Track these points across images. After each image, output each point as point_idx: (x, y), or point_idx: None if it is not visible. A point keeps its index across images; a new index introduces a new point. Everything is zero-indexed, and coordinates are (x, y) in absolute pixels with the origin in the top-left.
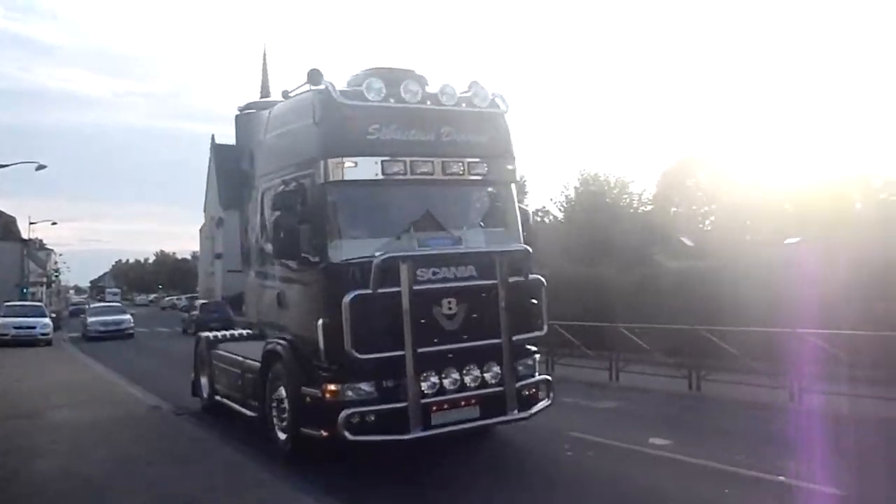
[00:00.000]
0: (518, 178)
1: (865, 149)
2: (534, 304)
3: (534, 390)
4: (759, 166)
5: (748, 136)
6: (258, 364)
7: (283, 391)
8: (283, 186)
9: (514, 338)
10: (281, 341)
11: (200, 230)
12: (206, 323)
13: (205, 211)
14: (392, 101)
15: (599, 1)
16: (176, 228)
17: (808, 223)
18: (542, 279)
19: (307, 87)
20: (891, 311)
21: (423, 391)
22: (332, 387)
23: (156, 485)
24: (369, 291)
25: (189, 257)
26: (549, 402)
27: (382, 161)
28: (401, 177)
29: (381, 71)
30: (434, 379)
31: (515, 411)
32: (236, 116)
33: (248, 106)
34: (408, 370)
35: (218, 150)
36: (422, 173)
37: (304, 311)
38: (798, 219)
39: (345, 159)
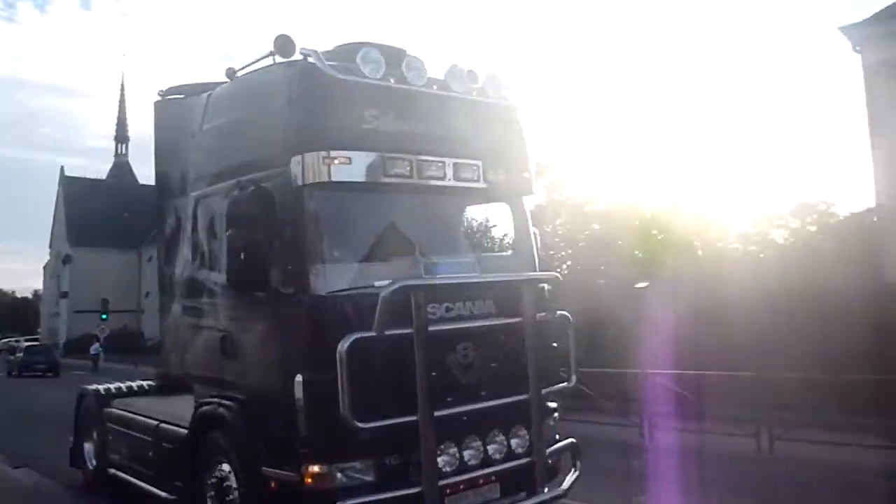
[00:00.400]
0: (534, 191)
1: (706, 199)
2: (555, 347)
3: (556, 457)
4: (610, 213)
5: (600, 183)
6: (184, 431)
7: (228, 470)
8: (236, 192)
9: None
10: (225, 402)
11: (44, 268)
12: (31, 366)
13: (50, 247)
14: (392, 80)
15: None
16: (16, 266)
17: (654, 268)
18: (569, 315)
19: (271, 60)
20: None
21: (440, 469)
22: (317, 468)
23: None
24: (373, 335)
25: (30, 296)
26: (578, 472)
27: (384, 158)
28: (406, 180)
29: (368, 45)
30: (453, 450)
31: (546, 488)
32: (155, 104)
33: (173, 90)
34: (423, 441)
35: (67, 183)
36: (430, 177)
37: (268, 361)
38: (646, 264)
39: (334, 153)
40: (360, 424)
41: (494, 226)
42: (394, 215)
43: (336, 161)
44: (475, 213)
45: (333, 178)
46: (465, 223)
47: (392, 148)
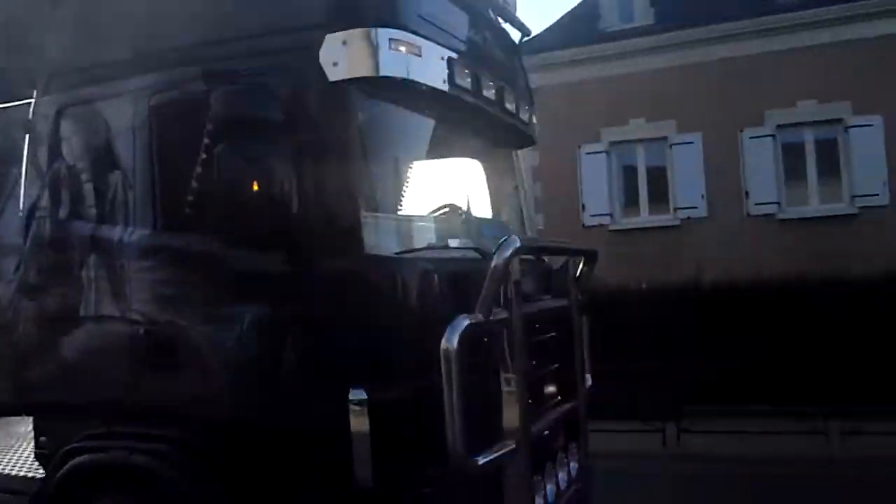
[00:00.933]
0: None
1: None
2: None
3: None
4: None
5: None
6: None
7: None
8: (210, 90)
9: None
10: (144, 445)
11: None
12: None
13: None
14: None
15: None
16: None
17: None
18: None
19: None
20: None
21: None
22: None
23: None
24: (480, 320)
25: None
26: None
27: (450, 59)
28: (465, 97)
29: None
30: (542, 485)
31: None
32: None
33: None
34: (517, 477)
35: None
36: (484, 100)
37: (267, 368)
38: None
39: (399, 35)
40: (479, 460)
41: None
42: (442, 145)
43: (402, 48)
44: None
45: (388, 73)
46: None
47: (453, 48)
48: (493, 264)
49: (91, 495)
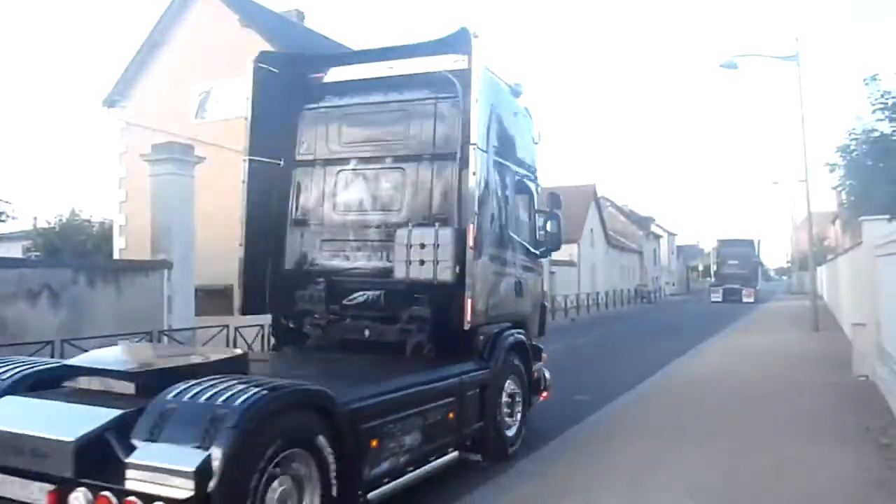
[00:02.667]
0: None
1: None
2: None
3: None
4: None
5: None
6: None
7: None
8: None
9: None
10: (512, 331)
11: None
12: None
13: None
14: None
15: None
16: None
17: None
18: None
19: None
20: None
21: None
22: None
23: None
24: None
25: None
26: None
27: None
28: None
29: None
30: None
31: None
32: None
33: None
34: None
35: None
36: None
37: (533, 296)
38: None
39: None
40: None
41: None
42: None
43: None
44: None
45: None
46: None
47: None
48: None
49: (512, 351)
